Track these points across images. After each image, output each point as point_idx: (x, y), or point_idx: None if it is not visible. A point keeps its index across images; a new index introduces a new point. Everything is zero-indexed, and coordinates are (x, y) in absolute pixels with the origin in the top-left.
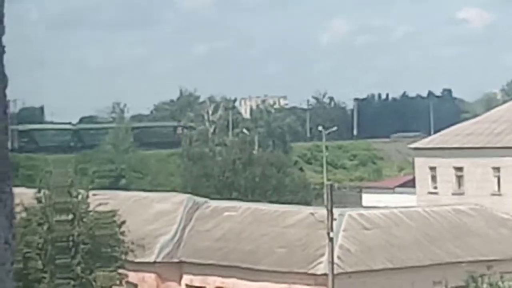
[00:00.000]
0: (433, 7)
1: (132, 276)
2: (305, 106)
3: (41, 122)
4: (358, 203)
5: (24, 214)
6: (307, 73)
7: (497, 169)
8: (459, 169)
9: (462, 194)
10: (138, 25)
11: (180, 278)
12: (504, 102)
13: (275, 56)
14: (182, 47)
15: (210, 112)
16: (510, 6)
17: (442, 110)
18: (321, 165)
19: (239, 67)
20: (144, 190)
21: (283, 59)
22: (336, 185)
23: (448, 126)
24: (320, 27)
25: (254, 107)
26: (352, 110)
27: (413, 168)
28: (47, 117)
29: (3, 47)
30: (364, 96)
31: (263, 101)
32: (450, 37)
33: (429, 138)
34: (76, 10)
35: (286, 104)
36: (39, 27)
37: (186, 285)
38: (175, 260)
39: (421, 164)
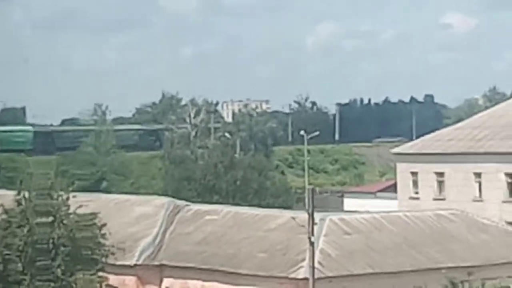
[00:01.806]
0: (418, 12)
1: (113, 279)
2: (287, 110)
3: (22, 124)
4: (340, 208)
5: (4, 216)
6: (291, 77)
7: (478, 174)
8: (441, 174)
9: (443, 199)
10: (124, 28)
11: (161, 281)
12: (486, 108)
13: (260, 60)
14: (167, 50)
15: (192, 115)
16: (494, 12)
17: (424, 116)
18: (303, 169)
19: (225, 71)
20: (125, 193)
21: (269, 63)
22: (317, 189)
23: (429, 132)
24: (307, 31)
25: (236, 110)
26: (334, 115)
27: (395, 173)
28: (29, 119)
29: None
30: (347, 101)
31: (246, 105)
32: (434, 43)
33: (411, 143)
34: (62, 12)
35: (269, 108)
36: (25, 27)
37: None
38: (156, 263)
39: (403, 169)
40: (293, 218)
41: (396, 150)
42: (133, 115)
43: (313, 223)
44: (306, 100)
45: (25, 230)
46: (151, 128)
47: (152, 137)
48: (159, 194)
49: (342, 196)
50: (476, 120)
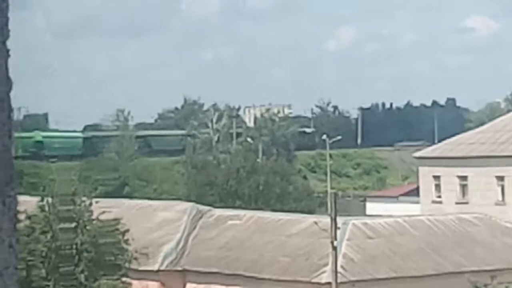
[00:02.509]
0: (440, 15)
1: (136, 285)
2: (309, 115)
3: (45, 130)
4: (362, 212)
5: (27, 222)
6: (313, 82)
7: (501, 178)
8: (463, 178)
9: (466, 203)
10: (144, 32)
11: (184, 286)
12: (508, 111)
13: (282, 64)
14: (188, 54)
15: (214, 120)
16: None
17: (446, 119)
18: (325, 174)
19: (246, 75)
20: (148, 198)
21: (290, 67)
22: (340, 193)
23: (451, 136)
24: (327, 35)
25: (258, 115)
26: (356, 119)
27: (417, 177)
28: (51, 125)
29: (8, 51)
30: (368, 105)
31: (267, 110)
32: (456, 46)
33: (433, 147)
34: (82, 17)
35: (291, 113)
36: (45, 34)
37: None
38: (179, 268)
39: (425, 173)
40: (316, 222)
41: (418, 154)
42: (156, 120)
43: (336, 228)
44: (328, 104)
45: (49, 236)
46: (174, 133)
47: (182, 141)
48: (181, 199)
49: (365, 200)
50: (498, 123)
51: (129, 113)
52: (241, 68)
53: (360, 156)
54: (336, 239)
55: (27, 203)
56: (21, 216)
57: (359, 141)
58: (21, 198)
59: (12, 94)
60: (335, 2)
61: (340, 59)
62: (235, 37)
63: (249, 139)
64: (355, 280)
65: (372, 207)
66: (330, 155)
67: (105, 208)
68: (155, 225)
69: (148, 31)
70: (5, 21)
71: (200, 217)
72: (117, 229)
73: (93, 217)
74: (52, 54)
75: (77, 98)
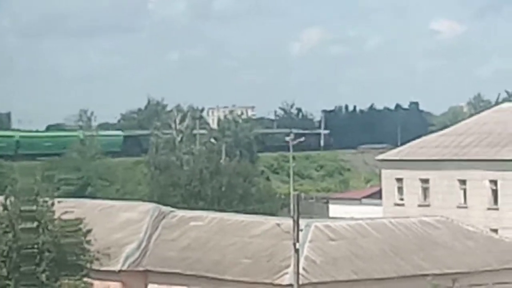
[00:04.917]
0: (405, 19)
1: (97, 285)
2: (272, 117)
3: (7, 129)
4: (325, 214)
5: None
6: (277, 84)
7: (463, 181)
8: (425, 181)
9: (428, 206)
10: (111, 33)
11: (145, 287)
12: (471, 115)
13: (246, 66)
14: (154, 55)
15: (177, 121)
16: (481, 20)
17: (409, 123)
18: (288, 175)
19: (211, 76)
20: (111, 199)
21: (255, 69)
22: (302, 195)
23: (415, 139)
24: (293, 37)
25: (222, 117)
26: (320, 122)
27: (380, 179)
28: (14, 124)
29: None
30: (332, 107)
31: (231, 111)
32: (420, 50)
33: (396, 150)
34: (48, 18)
35: (254, 115)
36: (10, 34)
37: None
38: (141, 269)
39: (388, 176)
40: (278, 224)
41: (381, 156)
42: (119, 121)
43: (298, 230)
44: (291, 106)
45: (10, 235)
46: (136, 133)
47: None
48: (144, 200)
49: (327, 202)
50: (461, 127)
51: (92, 113)
52: (206, 69)
53: (323, 158)
54: (298, 241)
55: None
56: None
57: (322, 143)
58: None
59: None
60: (302, 5)
61: (305, 61)
62: (201, 39)
63: (212, 140)
64: (317, 282)
65: (334, 209)
66: (293, 157)
67: (67, 208)
68: (118, 225)
69: (115, 32)
70: None
71: (163, 218)
72: (79, 229)
73: (55, 217)
74: (18, 54)
75: (41, 97)
